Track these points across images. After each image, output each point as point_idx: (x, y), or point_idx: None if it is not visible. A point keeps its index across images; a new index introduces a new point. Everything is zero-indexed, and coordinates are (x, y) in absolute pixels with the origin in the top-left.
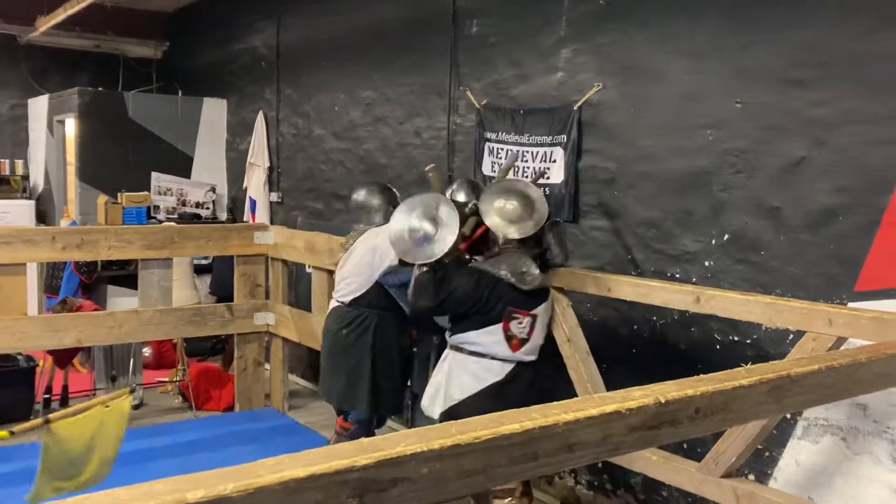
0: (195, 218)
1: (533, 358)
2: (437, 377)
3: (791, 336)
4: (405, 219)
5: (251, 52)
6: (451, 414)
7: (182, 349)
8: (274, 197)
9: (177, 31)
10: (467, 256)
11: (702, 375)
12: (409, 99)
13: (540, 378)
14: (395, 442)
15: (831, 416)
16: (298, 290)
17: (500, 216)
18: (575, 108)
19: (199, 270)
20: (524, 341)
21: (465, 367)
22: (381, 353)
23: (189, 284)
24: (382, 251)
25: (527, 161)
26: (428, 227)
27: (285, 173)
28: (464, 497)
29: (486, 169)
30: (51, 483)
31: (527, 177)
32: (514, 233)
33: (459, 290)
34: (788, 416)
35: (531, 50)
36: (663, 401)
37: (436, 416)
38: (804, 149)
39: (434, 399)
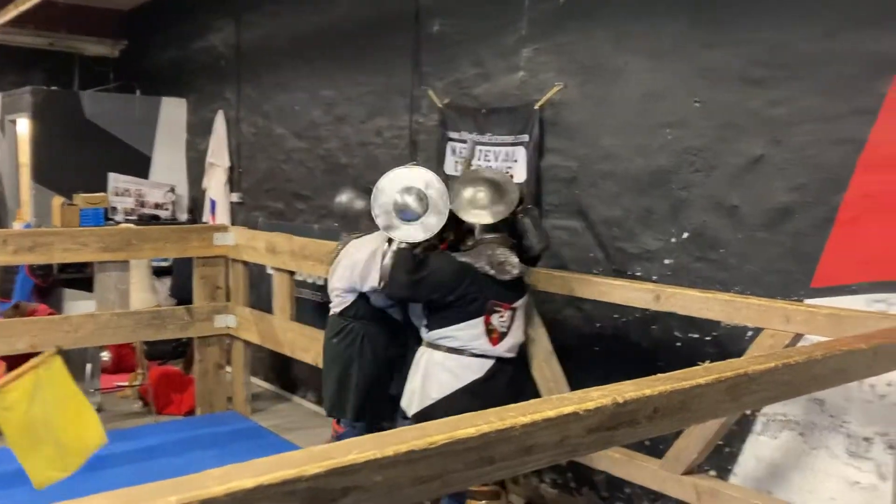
0: (154, 219)
1: (513, 355)
2: (415, 376)
3: (750, 333)
4: (392, 189)
5: (211, 50)
6: (426, 414)
7: (142, 353)
8: (234, 197)
9: (135, 29)
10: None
11: (659, 375)
12: (370, 98)
13: (520, 377)
14: (346, 449)
15: (789, 411)
16: (260, 291)
17: (473, 206)
18: (536, 107)
19: (159, 273)
20: (504, 335)
21: (442, 365)
22: (369, 361)
23: (148, 287)
24: (362, 271)
25: (490, 161)
26: (415, 205)
27: (246, 173)
28: None
29: (449, 168)
30: (41, 470)
31: None
32: (488, 217)
33: (437, 274)
34: (748, 412)
35: (493, 49)
36: (621, 401)
37: (412, 415)
38: (762, 147)
39: (412, 398)
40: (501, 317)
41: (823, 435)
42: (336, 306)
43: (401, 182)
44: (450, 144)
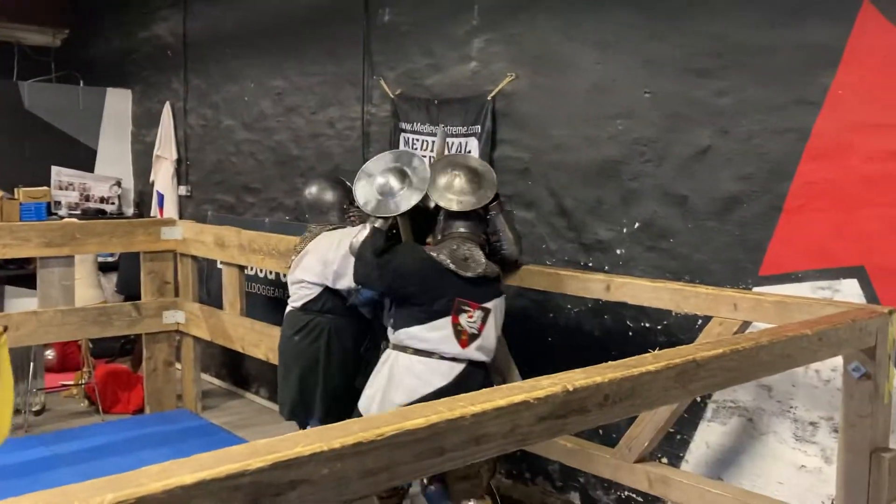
0: (99, 213)
1: (485, 358)
2: (377, 379)
3: (700, 321)
4: (376, 170)
5: (156, 40)
6: None
7: (87, 351)
8: (182, 191)
9: (77, 17)
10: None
11: (610, 362)
12: (321, 88)
13: (492, 383)
14: (292, 442)
15: (739, 398)
16: (209, 286)
17: (447, 190)
18: (489, 98)
19: (105, 268)
20: (474, 336)
21: (408, 369)
22: (336, 358)
23: (93, 283)
24: (339, 268)
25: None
26: (394, 182)
27: (194, 166)
28: (367, 497)
29: None
30: None
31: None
32: (455, 204)
33: (400, 259)
34: (698, 399)
35: (444, 39)
36: (571, 389)
37: None
38: (709, 138)
39: (371, 402)
40: (470, 317)
41: (771, 420)
42: (297, 300)
43: (384, 163)
44: (403, 136)
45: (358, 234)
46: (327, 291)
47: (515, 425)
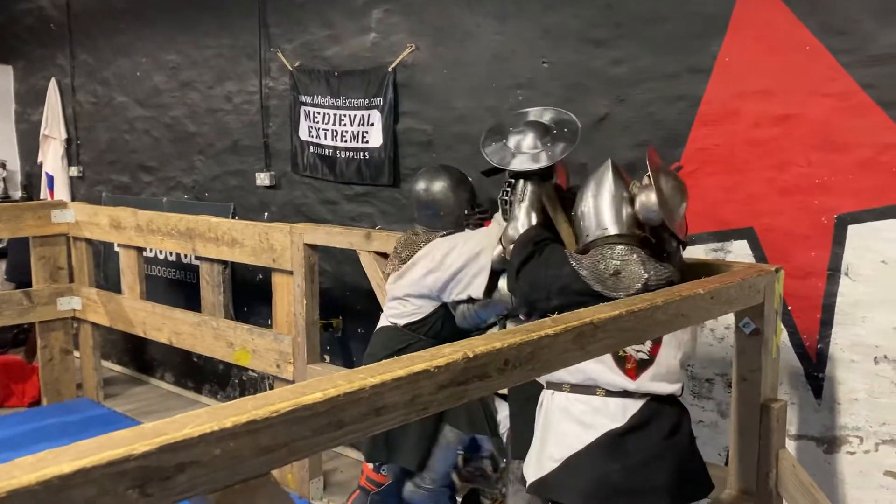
0: None
1: (673, 390)
2: (536, 431)
3: None
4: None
5: (37, 12)
6: (545, 485)
7: None
8: (74, 172)
9: None
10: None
11: (510, 328)
12: (217, 62)
13: (687, 427)
14: (181, 424)
15: None
16: (107, 270)
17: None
18: (389, 69)
19: None
20: (645, 363)
21: (565, 412)
22: None
23: None
24: (460, 275)
25: (345, 125)
26: (533, 137)
27: (85, 145)
28: (264, 474)
29: (304, 134)
30: None
31: (345, 141)
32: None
33: (543, 272)
34: None
35: (342, 10)
36: (471, 355)
37: (528, 486)
38: (606, 106)
39: (529, 462)
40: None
41: None
42: (398, 316)
43: (520, 119)
44: (303, 109)
45: (510, 226)
46: (441, 311)
47: (416, 394)
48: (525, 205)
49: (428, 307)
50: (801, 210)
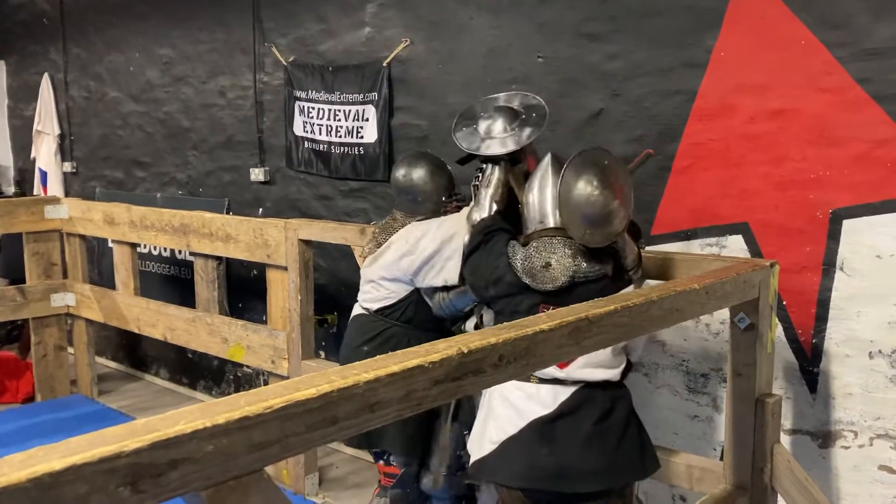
0: None
1: (606, 377)
2: (480, 413)
3: None
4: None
5: (29, 6)
6: (481, 468)
7: None
8: (67, 167)
9: None
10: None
11: (505, 323)
12: (211, 56)
13: (620, 414)
14: (173, 421)
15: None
16: (101, 266)
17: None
18: (384, 64)
19: None
20: None
21: (504, 398)
22: None
23: None
24: (433, 260)
25: (340, 120)
26: (503, 122)
27: (79, 141)
28: (257, 471)
29: (298, 129)
30: None
31: (340, 136)
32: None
33: (481, 259)
34: None
35: (336, 4)
36: (466, 351)
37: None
38: (601, 101)
39: (472, 446)
40: None
41: (666, 374)
42: (371, 301)
43: (490, 104)
44: (298, 104)
45: (474, 210)
46: (413, 297)
47: (410, 390)
48: (489, 191)
49: (401, 292)
50: (796, 205)
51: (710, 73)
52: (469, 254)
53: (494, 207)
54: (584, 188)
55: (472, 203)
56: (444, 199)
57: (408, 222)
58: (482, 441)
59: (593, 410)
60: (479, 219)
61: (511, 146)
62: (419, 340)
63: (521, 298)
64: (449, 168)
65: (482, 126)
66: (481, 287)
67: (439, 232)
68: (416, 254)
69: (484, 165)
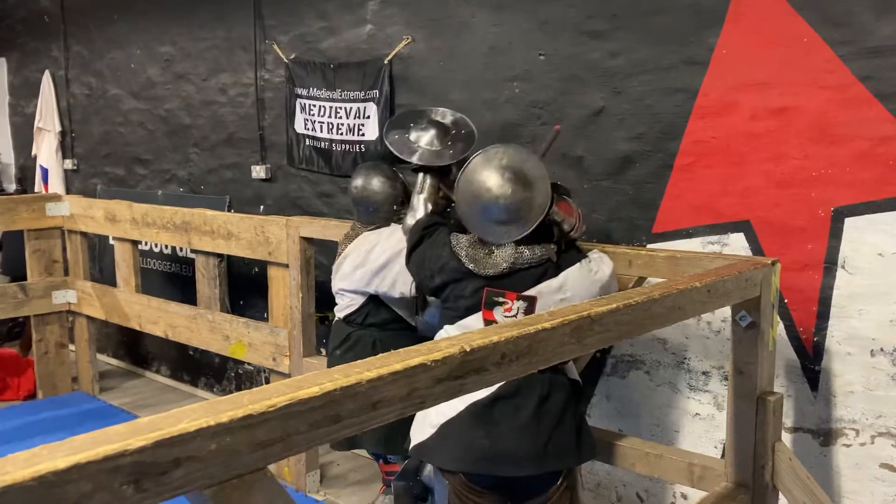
0: None
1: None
2: None
3: None
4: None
5: (30, 4)
6: (422, 450)
7: None
8: (68, 164)
9: None
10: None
11: (507, 321)
12: (212, 54)
13: (560, 399)
14: (176, 419)
15: (636, 352)
16: (102, 263)
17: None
18: (386, 61)
19: None
20: None
21: None
22: None
23: None
24: (384, 272)
25: (341, 118)
26: (436, 137)
27: (80, 138)
28: (260, 469)
29: (299, 126)
30: None
31: (341, 134)
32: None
33: (426, 251)
34: (598, 355)
35: (337, 1)
36: (468, 349)
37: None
38: (603, 99)
39: (416, 426)
40: (508, 310)
41: (667, 372)
42: (340, 309)
43: (422, 116)
44: (299, 101)
45: (409, 215)
46: (372, 301)
47: (413, 388)
48: (423, 196)
49: (360, 299)
50: (797, 203)
51: (712, 71)
52: (412, 249)
53: (430, 208)
54: (485, 195)
55: (408, 209)
56: (395, 207)
57: (361, 232)
58: (423, 425)
59: (532, 394)
60: (413, 221)
61: (447, 159)
62: (384, 340)
63: (465, 283)
64: (401, 177)
65: (413, 135)
66: (427, 277)
67: (388, 243)
68: (366, 266)
69: (418, 174)
